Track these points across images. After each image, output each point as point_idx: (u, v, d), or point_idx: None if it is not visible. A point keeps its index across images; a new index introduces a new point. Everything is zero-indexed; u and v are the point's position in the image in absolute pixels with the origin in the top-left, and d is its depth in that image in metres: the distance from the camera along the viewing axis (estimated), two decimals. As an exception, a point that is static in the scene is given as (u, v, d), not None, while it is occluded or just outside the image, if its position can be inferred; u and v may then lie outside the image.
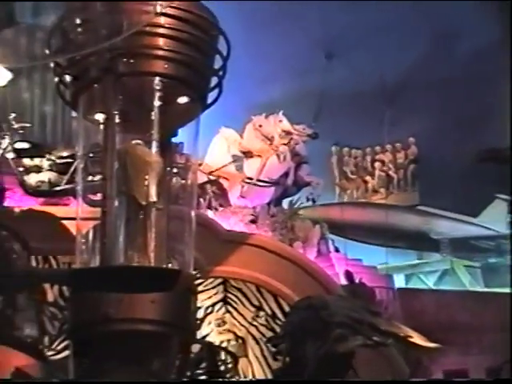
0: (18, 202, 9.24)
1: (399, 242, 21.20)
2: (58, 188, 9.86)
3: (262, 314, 8.57)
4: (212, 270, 8.24)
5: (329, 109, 21.15)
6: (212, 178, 14.18)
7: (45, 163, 10.32)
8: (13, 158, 9.99)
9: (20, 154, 10.26)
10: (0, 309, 5.80)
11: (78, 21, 5.69)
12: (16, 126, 10.51)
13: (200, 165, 13.10)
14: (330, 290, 8.32)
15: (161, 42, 5.59)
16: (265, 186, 15.34)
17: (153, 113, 5.64)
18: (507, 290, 16.63)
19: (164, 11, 5.51)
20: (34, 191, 9.83)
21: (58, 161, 10.26)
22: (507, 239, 20.41)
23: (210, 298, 8.69)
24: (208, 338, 8.28)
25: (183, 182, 6.56)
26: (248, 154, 15.50)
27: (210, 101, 6.05)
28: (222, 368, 7.59)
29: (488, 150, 21.23)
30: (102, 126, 5.69)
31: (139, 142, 5.78)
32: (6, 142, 10.01)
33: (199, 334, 7.34)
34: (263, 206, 14.49)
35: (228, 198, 13.86)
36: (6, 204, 8.33)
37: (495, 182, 20.28)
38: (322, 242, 14.56)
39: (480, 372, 12.27)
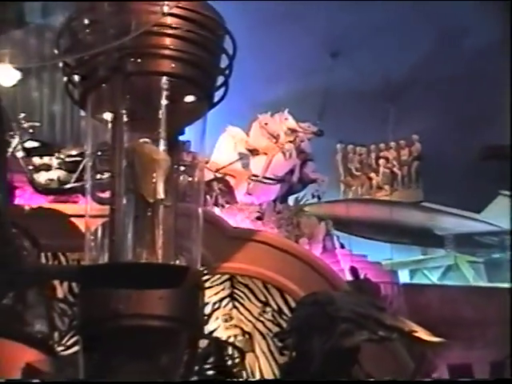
0: (27, 200, 9.25)
1: (404, 237, 21.21)
2: (67, 186, 9.87)
3: (268, 309, 8.57)
4: (219, 266, 8.25)
5: (333, 107, 21.13)
6: (219, 175, 14.20)
7: (54, 162, 10.33)
8: (23, 157, 10.00)
9: (30, 152, 10.28)
10: (10, 305, 5.81)
11: (86, 21, 5.69)
12: (25, 125, 10.53)
13: (207, 162, 13.12)
14: (335, 285, 8.31)
15: (168, 41, 5.59)
16: (271, 184, 15.35)
17: (160, 111, 5.64)
18: (510, 285, 16.62)
19: (171, 11, 5.51)
20: (43, 189, 9.85)
21: (67, 159, 10.27)
22: (510, 235, 20.39)
23: (217, 293, 8.70)
24: (215, 334, 8.29)
25: (190, 179, 6.56)
26: (254, 152, 15.52)
27: (216, 99, 6.05)
28: (230, 363, 7.60)
29: (490, 147, 21.23)
30: (110, 125, 5.69)
31: (147, 140, 5.78)
32: (15, 141, 10.02)
33: (207, 330, 7.34)
34: (269, 203, 14.49)
35: (234, 195, 13.87)
36: (16, 202, 8.33)
37: (498, 179, 20.26)
38: (328, 238, 14.56)
39: (484, 366, 12.26)
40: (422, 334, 6.08)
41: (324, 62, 22.46)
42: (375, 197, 22.99)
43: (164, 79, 5.63)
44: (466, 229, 20.87)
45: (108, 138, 5.75)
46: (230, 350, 7.79)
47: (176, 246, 5.67)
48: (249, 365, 8.42)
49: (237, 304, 8.68)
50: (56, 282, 6.99)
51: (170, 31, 5.57)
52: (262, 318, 8.57)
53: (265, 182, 15.30)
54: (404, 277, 18.16)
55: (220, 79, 6.01)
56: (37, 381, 5.20)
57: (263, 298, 8.61)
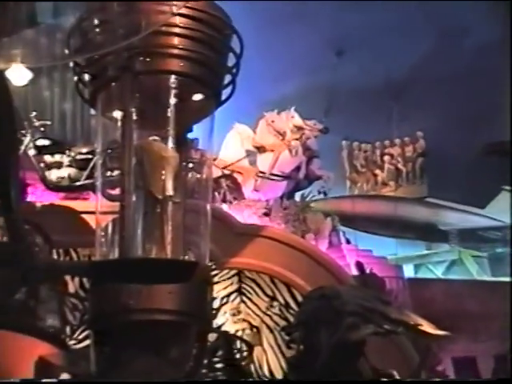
0: (39, 197, 9.27)
1: (408, 233, 21.20)
2: (77, 183, 9.88)
3: (275, 303, 8.57)
4: (227, 261, 8.24)
5: (339, 104, 21.12)
6: (226, 172, 14.19)
7: (65, 159, 10.34)
8: (34, 155, 10.02)
9: (41, 150, 10.29)
10: (23, 300, 5.82)
11: (96, 21, 5.69)
12: (37, 123, 10.54)
13: (215, 160, 13.11)
14: (341, 280, 8.31)
15: (176, 41, 5.58)
16: (277, 180, 15.34)
17: (169, 110, 5.64)
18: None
19: (179, 11, 5.50)
20: (54, 186, 9.86)
21: (78, 157, 10.28)
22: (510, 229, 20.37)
23: (225, 288, 8.70)
24: (224, 328, 8.29)
25: (198, 176, 6.56)
26: (261, 149, 15.51)
27: (223, 98, 6.05)
28: (238, 356, 7.61)
29: (494, 143, 21.19)
30: (119, 123, 5.70)
31: (156, 138, 5.79)
32: (27, 139, 10.04)
33: (215, 324, 7.35)
34: (276, 199, 14.48)
35: (242, 191, 13.87)
36: (28, 199, 8.35)
37: (501, 175, 20.22)
38: (334, 233, 14.56)
39: (488, 359, 12.25)
40: (427, 327, 6.07)
41: (329, 61, 22.45)
42: (380, 193, 23.00)
43: (172, 78, 5.63)
44: (470, 224, 20.85)
45: (118, 136, 5.76)
46: (238, 344, 7.79)
47: (185, 241, 5.67)
48: (257, 358, 8.42)
49: (244, 298, 8.68)
50: (67, 278, 7.00)
51: (178, 31, 5.56)
52: (269, 312, 8.57)
53: (272, 179, 15.30)
54: (409, 271, 18.16)
55: (227, 78, 6.01)
56: (51, 380, 5.21)
57: (270, 293, 8.61)
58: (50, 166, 10.21)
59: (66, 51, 5.97)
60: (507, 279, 16.78)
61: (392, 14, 22.06)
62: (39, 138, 10.42)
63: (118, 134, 5.76)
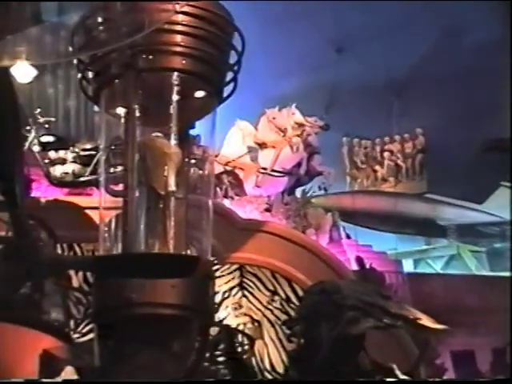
0: (43, 192, 9.27)
1: (408, 228, 21.21)
2: (81, 179, 9.89)
3: (276, 298, 8.57)
4: (229, 256, 8.24)
5: (339, 101, 21.11)
6: (228, 168, 14.21)
7: (69, 155, 10.34)
8: (38, 151, 10.02)
9: (45, 146, 10.29)
10: (28, 294, 5.83)
11: (100, 19, 5.69)
12: (41, 120, 10.54)
13: (217, 156, 13.12)
14: (341, 274, 8.30)
15: (179, 38, 5.58)
16: (279, 176, 15.35)
17: (171, 107, 5.63)
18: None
19: (182, 9, 5.50)
20: (58, 182, 9.87)
21: (82, 153, 10.28)
22: (511, 225, 20.36)
23: (226, 283, 8.70)
24: (225, 322, 8.29)
25: (201, 172, 6.56)
26: (262, 146, 15.52)
27: (225, 95, 6.04)
28: (240, 350, 7.61)
29: (493, 139, 21.20)
30: (122, 120, 5.70)
31: (158, 134, 5.78)
32: (32, 135, 10.04)
33: (217, 318, 7.35)
34: (277, 194, 14.50)
35: (243, 187, 13.88)
36: (32, 195, 8.34)
37: (500, 171, 20.22)
38: (334, 229, 14.58)
39: (486, 352, 12.26)
40: (426, 321, 6.07)
41: (330, 58, 22.44)
42: (380, 188, 23.01)
43: (175, 75, 5.62)
44: (469, 219, 20.84)
45: (121, 133, 5.76)
46: (239, 338, 7.79)
47: (187, 236, 5.67)
48: (258, 352, 8.42)
49: (246, 293, 8.68)
50: (71, 272, 7.01)
51: (180, 29, 5.56)
52: (270, 307, 8.57)
53: (273, 175, 15.30)
54: (408, 266, 18.18)
55: (229, 75, 6.01)
56: (54, 380, 5.21)
57: (272, 287, 8.60)
58: (54, 162, 10.21)
59: (70, 49, 5.96)
60: (505, 274, 16.78)
61: (393, 12, 22.03)
62: (43, 135, 10.42)
63: (121, 131, 5.75)
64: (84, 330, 7.27)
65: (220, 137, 13.98)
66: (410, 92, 23.06)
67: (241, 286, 8.71)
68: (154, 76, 5.69)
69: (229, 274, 8.75)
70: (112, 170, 6.28)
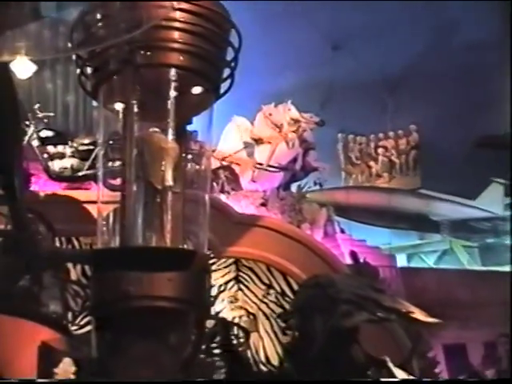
0: (42, 186, 9.26)
1: (401, 223, 21.23)
2: (80, 173, 9.88)
3: (272, 291, 8.58)
4: (225, 250, 8.24)
5: (335, 98, 21.11)
6: (225, 163, 14.19)
7: (67, 150, 10.33)
8: (38, 146, 10.01)
9: (44, 141, 10.28)
10: (27, 287, 5.82)
11: (98, 16, 5.68)
12: (40, 115, 10.52)
13: (213, 151, 13.10)
14: (336, 269, 8.31)
15: (176, 35, 5.57)
16: (274, 171, 15.35)
17: (169, 102, 5.63)
18: (503, 269, 16.63)
19: (180, 6, 5.49)
20: (57, 176, 9.85)
21: (80, 148, 10.27)
22: (503, 220, 20.40)
23: (223, 276, 8.70)
24: (221, 314, 8.30)
25: (198, 167, 6.55)
26: (259, 141, 15.51)
27: (222, 91, 6.04)
28: (235, 342, 7.62)
29: (485, 136, 21.22)
30: (121, 115, 5.69)
31: (156, 129, 5.78)
32: (31, 130, 10.02)
33: (213, 311, 7.35)
34: (273, 189, 14.50)
35: (240, 182, 13.87)
36: (31, 189, 8.33)
37: (492, 167, 20.25)
38: (329, 223, 14.57)
39: (478, 346, 12.28)
40: (419, 314, 6.08)
41: (326, 55, 22.42)
42: (374, 184, 23.03)
43: (172, 71, 5.62)
44: (461, 215, 20.88)
45: (119, 128, 5.75)
46: (235, 330, 7.80)
47: (184, 230, 5.67)
48: (253, 344, 8.44)
49: (242, 286, 8.69)
50: (70, 265, 7.00)
51: (178, 25, 5.55)
52: (265, 300, 8.58)
53: (269, 170, 15.30)
54: (402, 260, 18.20)
55: (226, 71, 6.00)
56: (48, 380, 5.21)
57: (267, 281, 8.61)
58: (52, 157, 10.20)
59: (69, 44, 5.95)
60: (497, 268, 16.82)
61: (388, 10, 22.02)
62: (42, 129, 10.40)
63: (119, 126, 5.75)
64: (82, 323, 7.27)
65: (217, 132, 13.96)
66: (405, 89, 23.07)
67: (237, 279, 8.72)
68: (151, 72, 5.68)
69: (225, 267, 8.75)
70: (110, 164, 6.28)
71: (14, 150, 5.72)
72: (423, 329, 6.90)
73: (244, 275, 8.76)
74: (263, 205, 13.34)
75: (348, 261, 7.89)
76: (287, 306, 7.73)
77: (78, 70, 5.94)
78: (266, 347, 8.56)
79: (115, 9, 5.54)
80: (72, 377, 5.23)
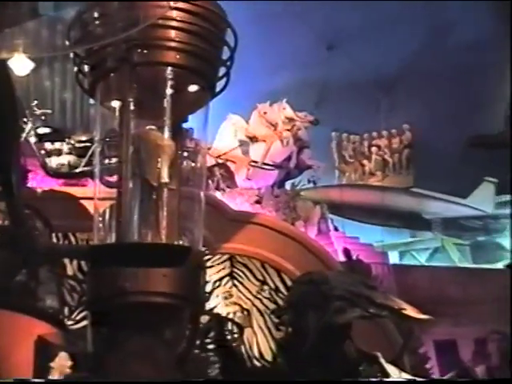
0: (39, 183, 9.23)
1: (394, 221, 21.28)
2: (76, 170, 9.86)
3: (265, 287, 8.56)
4: (220, 246, 8.23)
5: (329, 97, 21.13)
6: (220, 161, 14.20)
7: (65, 147, 10.31)
8: (35, 142, 9.98)
9: (42, 138, 10.26)
10: (24, 282, 5.82)
11: (96, 14, 5.67)
12: (38, 112, 10.50)
13: (209, 149, 13.10)
14: (329, 265, 8.30)
15: (173, 34, 5.57)
16: (269, 169, 15.36)
17: (165, 100, 5.63)
18: (494, 266, 16.68)
19: (176, 5, 5.49)
20: (54, 173, 9.83)
21: (77, 145, 10.25)
22: (494, 219, 20.46)
23: (217, 272, 8.69)
24: (216, 310, 8.29)
25: (193, 164, 6.54)
26: (254, 139, 15.52)
27: (218, 89, 6.04)
28: (229, 337, 7.61)
29: (477, 136, 21.26)
30: (117, 113, 5.69)
31: (152, 127, 5.77)
32: (28, 127, 10.00)
33: (208, 306, 7.35)
34: (267, 187, 14.50)
35: (235, 180, 13.87)
36: (28, 185, 8.32)
37: (484, 166, 20.29)
38: (322, 221, 14.59)
39: (468, 342, 12.30)
40: (410, 311, 6.09)
41: (321, 55, 22.43)
42: (367, 182, 23.06)
43: (169, 69, 5.62)
44: (453, 213, 20.92)
45: (116, 125, 5.75)
46: (229, 326, 7.79)
47: (179, 227, 5.67)
48: (247, 340, 8.42)
49: (236, 282, 8.67)
50: (66, 261, 6.99)
51: (175, 24, 5.55)
52: (259, 296, 8.57)
53: (263, 168, 15.31)
54: (394, 258, 18.22)
55: (222, 70, 6.00)
56: (44, 380, 5.21)
57: (261, 277, 8.60)
58: (50, 153, 10.18)
59: (67, 42, 5.94)
60: (487, 266, 16.87)
61: (382, 10, 22.03)
62: (40, 126, 10.38)
63: (116, 123, 5.74)
64: (78, 317, 7.25)
65: (212, 130, 13.96)
66: (398, 89, 23.10)
67: (231, 275, 8.71)
68: (148, 70, 5.68)
69: (219, 263, 8.74)
70: (107, 161, 6.26)
71: (12, 146, 5.71)
72: (415, 325, 6.92)
73: (238, 271, 8.75)
74: (258, 202, 13.35)
75: (341, 258, 7.89)
76: (281, 302, 7.72)
77: (76, 68, 5.93)
78: (259, 343, 8.55)
79: (112, 7, 5.53)
80: (68, 371, 5.23)
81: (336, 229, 15.20)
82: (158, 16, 5.42)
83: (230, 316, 8.24)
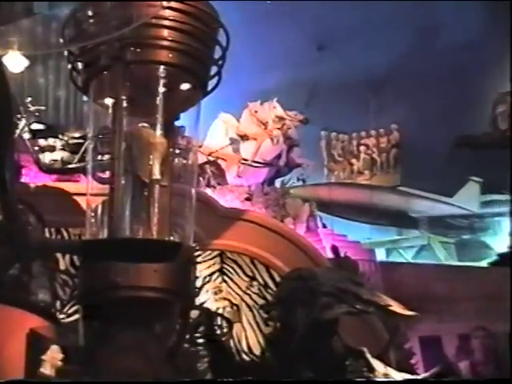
0: (33, 178, 9.19)
1: (381, 219, 21.32)
2: (69, 166, 9.83)
3: (255, 283, 8.56)
4: (210, 242, 8.22)
5: (319, 97, 21.14)
6: (211, 158, 14.17)
7: (58, 143, 10.29)
8: (29, 139, 9.95)
9: (35, 134, 10.23)
10: (17, 275, 5.80)
11: (90, 13, 5.66)
12: (32, 108, 10.47)
13: (200, 147, 13.06)
14: (317, 262, 8.30)
15: (166, 33, 5.57)
16: (259, 167, 15.36)
17: (157, 98, 5.62)
18: (478, 264, 16.74)
19: (169, 5, 5.49)
20: (47, 169, 9.79)
21: (70, 141, 10.23)
22: (479, 218, 20.54)
23: (207, 268, 8.68)
24: (206, 305, 8.29)
25: (185, 162, 6.54)
26: (244, 138, 15.51)
27: (210, 88, 6.04)
28: (218, 332, 7.61)
29: (463, 136, 21.33)
30: (110, 110, 5.68)
31: (145, 124, 5.77)
32: (22, 123, 9.96)
33: (198, 301, 7.34)
34: (257, 185, 14.49)
35: (225, 177, 13.86)
36: (22, 180, 8.29)
37: (469, 166, 20.36)
38: (311, 218, 14.58)
39: (452, 338, 12.34)
40: (397, 307, 6.12)
41: (311, 55, 22.44)
42: (356, 181, 23.08)
43: (161, 68, 5.62)
44: (439, 212, 20.98)
45: (109, 122, 5.74)
46: (219, 321, 7.79)
47: (170, 223, 5.67)
48: (236, 334, 8.42)
49: (226, 278, 8.66)
50: (59, 255, 6.97)
51: (167, 23, 5.55)
52: (249, 292, 8.56)
53: (254, 166, 15.30)
54: (381, 255, 18.24)
55: (214, 69, 5.99)
56: (40, 380, 5.20)
57: (250, 273, 8.59)
58: (43, 149, 10.15)
59: (61, 40, 5.93)
60: (472, 264, 16.92)
61: (372, 11, 22.06)
62: (34, 123, 10.35)
63: (108, 121, 5.74)
64: (70, 311, 7.23)
65: (204, 128, 13.94)
66: (387, 89, 23.13)
67: (221, 271, 8.70)
68: (141, 68, 5.67)
69: (210, 259, 8.73)
70: (99, 157, 6.26)
71: (6, 142, 5.69)
72: (400, 321, 6.94)
73: (228, 267, 8.74)
74: (248, 199, 13.33)
75: (329, 255, 7.90)
76: (270, 298, 7.73)
77: (70, 66, 5.92)
78: (248, 337, 8.55)
79: (106, 6, 5.52)
80: (59, 364, 5.22)
81: (324, 226, 15.19)
82: (150, 15, 5.42)
83: (220, 311, 8.23)
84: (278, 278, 7.94)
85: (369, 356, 6.28)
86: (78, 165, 9.54)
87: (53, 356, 5.22)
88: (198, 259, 7.50)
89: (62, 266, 7.16)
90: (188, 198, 5.79)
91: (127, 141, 5.51)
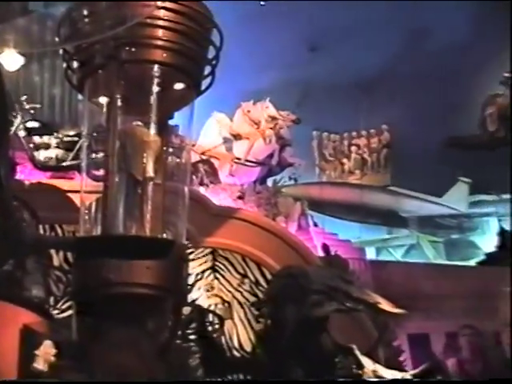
0: (27, 175, 9.17)
1: (372, 218, 21.36)
2: (64, 163, 9.80)
3: (246, 281, 8.56)
4: (202, 240, 8.22)
5: (311, 97, 21.15)
6: (204, 157, 14.16)
7: (53, 141, 10.25)
8: (24, 136, 9.91)
9: (30, 132, 10.18)
10: (11, 271, 5.78)
11: (85, 12, 5.65)
12: (27, 106, 10.43)
13: (193, 145, 13.06)
14: (308, 260, 8.31)
15: (160, 32, 5.56)
16: (252, 166, 15.35)
17: (151, 97, 5.62)
18: (467, 263, 16.80)
19: (163, 5, 5.48)
20: (42, 166, 9.76)
21: (65, 139, 10.19)
22: (467, 217, 20.60)
23: (200, 265, 8.68)
24: (197, 302, 8.29)
25: (178, 160, 6.53)
26: (237, 137, 15.49)
27: (203, 87, 6.03)
28: (210, 328, 7.61)
29: (453, 137, 21.39)
30: (105, 109, 5.67)
31: (139, 123, 5.76)
32: (17, 121, 9.92)
33: (190, 298, 7.34)
34: (250, 183, 14.48)
35: (218, 176, 13.84)
36: (17, 177, 8.26)
37: (458, 166, 20.42)
38: (302, 217, 14.58)
39: (440, 335, 12.37)
40: (386, 305, 6.13)
41: (303, 56, 22.45)
42: (347, 180, 23.11)
43: (156, 67, 5.61)
44: (428, 211, 21.04)
45: (103, 121, 5.73)
46: (210, 317, 7.79)
47: (163, 220, 5.67)
48: (227, 331, 8.42)
49: (218, 275, 8.66)
50: (53, 251, 6.96)
51: (162, 23, 5.54)
52: (240, 289, 8.56)
53: (246, 165, 15.29)
54: (371, 254, 18.28)
55: (207, 69, 5.99)
56: (38, 380, 5.19)
57: (242, 271, 8.59)
58: (38, 147, 10.11)
59: (57, 39, 5.91)
60: (460, 263, 16.97)
61: (364, 13, 22.08)
62: (29, 120, 10.30)
63: (103, 119, 5.73)
64: (63, 307, 7.22)
65: (197, 127, 13.92)
66: (378, 90, 23.16)
67: (213, 268, 8.69)
68: (135, 68, 5.66)
69: (202, 257, 8.73)
70: (93, 155, 6.25)
71: (1, 139, 5.67)
72: (389, 319, 6.96)
73: (220, 265, 8.74)
74: (240, 198, 13.32)
75: (320, 253, 7.91)
76: (261, 295, 7.73)
77: (65, 64, 5.91)
78: (239, 334, 8.55)
79: (101, 6, 5.51)
80: (52, 359, 5.21)
81: (316, 225, 15.20)
82: (145, 15, 5.42)
83: (212, 308, 8.23)
84: (269, 276, 7.94)
85: (358, 353, 6.30)
86: (72, 162, 9.51)
87: (46, 351, 5.21)
88: (191, 256, 7.50)
89: (56, 263, 7.15)
90: (181, 196, 5.79)
91: (121, 139, 5.51)
